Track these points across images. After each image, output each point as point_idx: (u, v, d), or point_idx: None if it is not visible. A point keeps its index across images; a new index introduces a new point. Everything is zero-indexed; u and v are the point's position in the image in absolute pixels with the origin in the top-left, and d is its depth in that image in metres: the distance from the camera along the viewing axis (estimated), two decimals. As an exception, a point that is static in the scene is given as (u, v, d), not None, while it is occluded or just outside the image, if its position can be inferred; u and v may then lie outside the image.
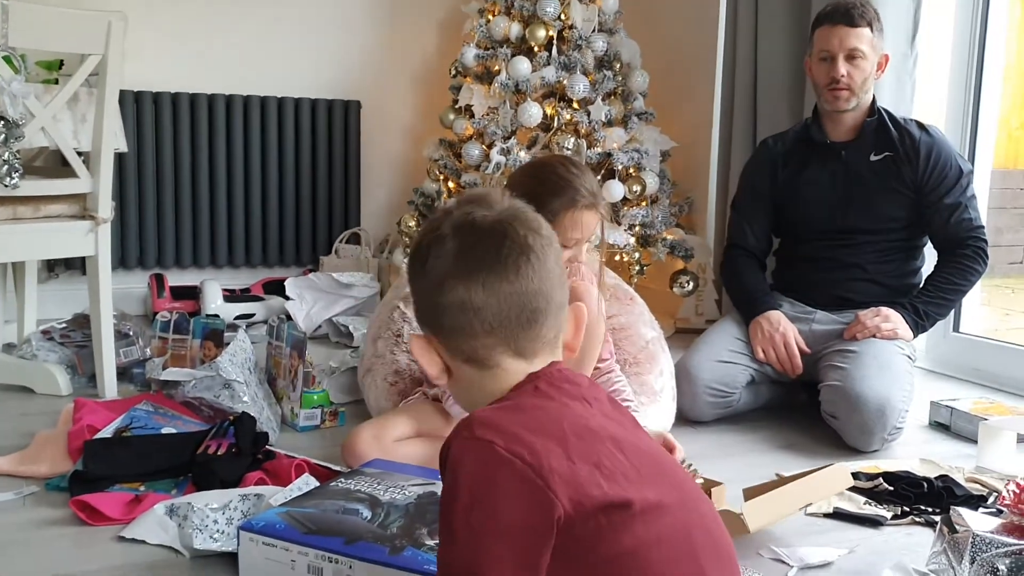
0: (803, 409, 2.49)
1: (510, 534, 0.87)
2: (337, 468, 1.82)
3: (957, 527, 1.43)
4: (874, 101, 2.49)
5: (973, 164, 2.81)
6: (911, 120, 2.52)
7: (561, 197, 1.83)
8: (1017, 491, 1.44)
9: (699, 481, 1.66)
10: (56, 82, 2.64)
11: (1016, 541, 1.39)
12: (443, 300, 1.00)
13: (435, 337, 1.04)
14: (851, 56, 2.41)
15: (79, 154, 2.33)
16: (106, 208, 2.36)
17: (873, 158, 2.47)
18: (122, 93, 3.30)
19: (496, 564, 0.87)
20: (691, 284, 3.48)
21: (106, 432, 1.91)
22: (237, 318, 3.32)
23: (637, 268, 3.37)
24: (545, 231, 1.04)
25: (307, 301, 3.34)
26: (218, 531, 1.51)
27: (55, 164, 2.72)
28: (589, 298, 1.86)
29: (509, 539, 0.87)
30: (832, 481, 1.70)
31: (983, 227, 2.47)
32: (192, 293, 3.43)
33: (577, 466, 0.89)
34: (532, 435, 0.90)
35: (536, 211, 1.07)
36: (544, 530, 0.87)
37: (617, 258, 3.33)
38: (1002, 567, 1.37)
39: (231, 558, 1.45)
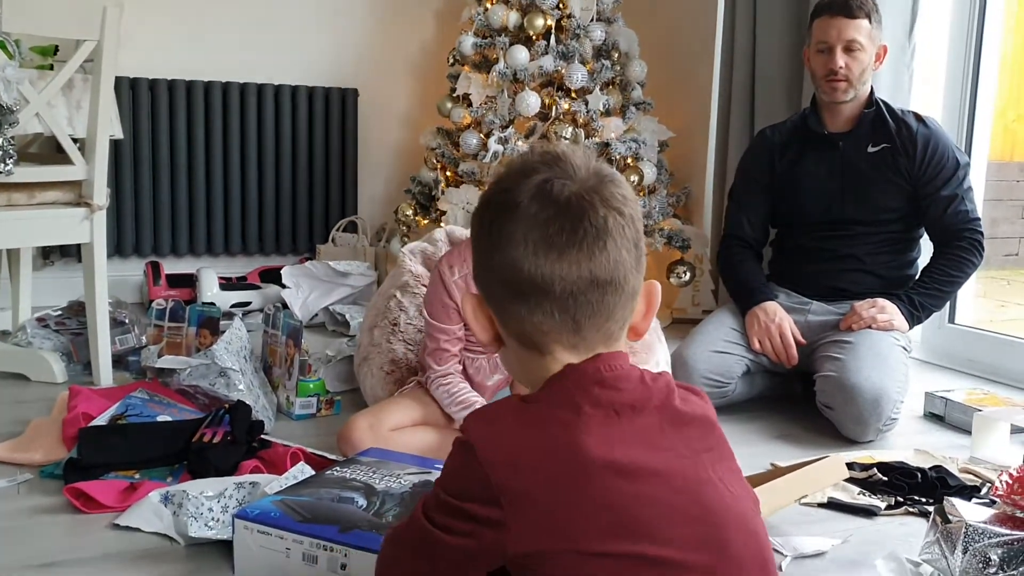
0: (798, 399, 2.50)
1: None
2: (333, 457, 1.82)
3: (950, 517, 1.43)
4: (872, 92, 2.49)
5: (970, 156, 2.81)
6: (908, 111, 2.52)
7: None
8: (1010, 481, 1.45)
9: None
10: (51, 68, 2.62)
11: (1008, 531, 1.39)
12: (506, 272, 0.92)
13: (489, 304, 0.98)
14: (849, 47, 2.41)
15: (74, 141, 2.32)
16: (101, 195, 2.36)
17: (870, 149, 2.47)
18: (118, 80, 3.31)
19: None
20: (688, 274, 3.48)
21: (101, 420, 1.91)
22: (233, 306, 3.31)
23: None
24: (628, 208, 0.94)
25: (303, 289, 3.33)
26: (213, 519, 1.51)
27: (51, 151, 2.71)
28: None
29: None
30: (828, 473, 1.71)
31: (979, 219, 2.47)
32: (188, 281, 3.43)
33: (546, 510, 0.86)
34: (521, 471, 0.87)
35: None
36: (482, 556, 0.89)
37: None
38: (994, 557, 1.38)
39: (226, 546, 1.45)
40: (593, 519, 0.85)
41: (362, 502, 1.45)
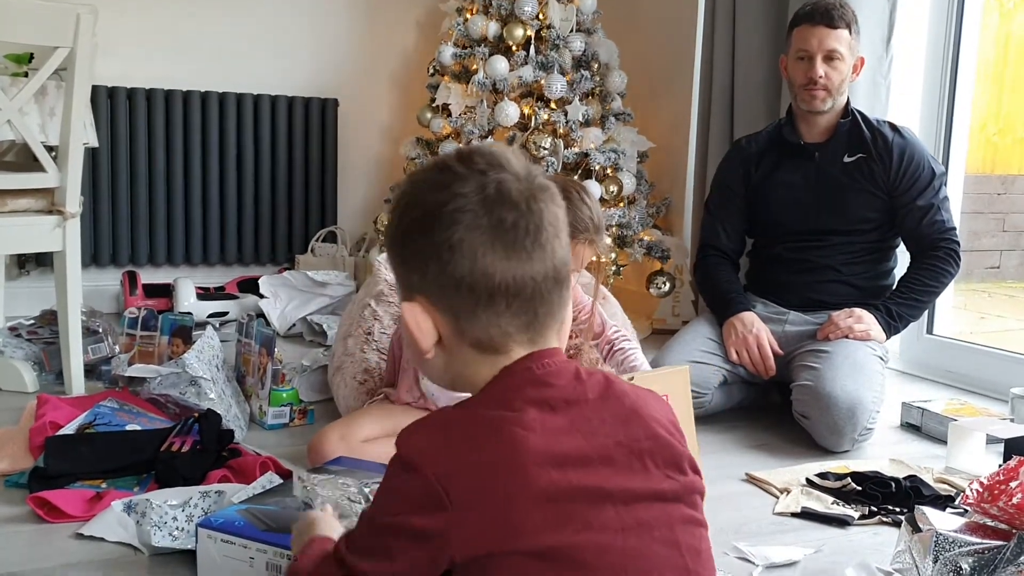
0: (775, 409, 2.49)
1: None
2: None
3: (921, 526, 1.43)
4: (848, 103, 2.50)
5: (947, 167, 2.82)
6: (884, 122, 2.52)
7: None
8: (980, 490, 1.44)
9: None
10: (26, 75, 2.60)
11: (979, 540, 1.39)
12: (475, 280, 0.89)
13: (444, 314, 0.93)
14: (829, 57, 2.41)
15: (48, 149, 2.30)
16: (74, 203, 2.33)
17: (846, 159, 2.47)
18: (96, 88, 3.30)
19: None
20: (667, 285, 3.47)
21: (69, 429, 1.89)
22: (211, 316, 3.29)
23: (614, 269, 3.36)
24: (560, 200, 0.95)
25: (281, 299, 3.32)
26: (177, 528, 1.49)
27: (27, 159, 2.68)
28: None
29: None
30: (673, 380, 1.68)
31: (955, 229, 2.47)
32: (165, 291, 3.40)
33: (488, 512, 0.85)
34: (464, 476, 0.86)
35: None
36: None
37: (594, 259, 3.32)
38: (965, 566, 1.37)
39: (190, 556, 1.43)
40: (537, 512, 0.84)
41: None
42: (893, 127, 2.49)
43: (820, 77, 2.41)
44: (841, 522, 1.75)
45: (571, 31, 3.36)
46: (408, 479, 0.87)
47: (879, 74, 2.87)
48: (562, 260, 0.94)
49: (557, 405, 0.90)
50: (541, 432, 0.87)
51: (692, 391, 2.34)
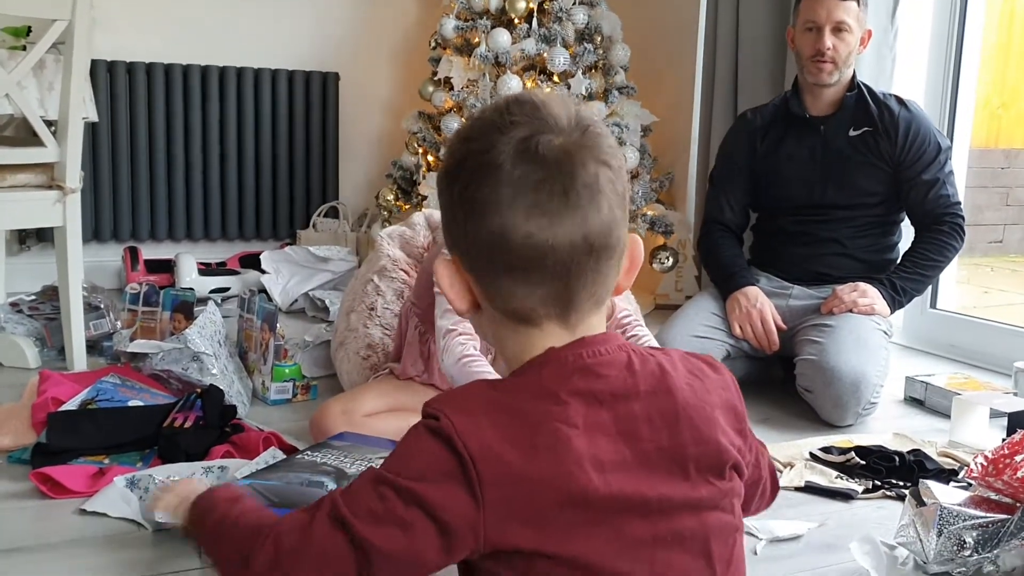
0: (779, 384, 2.49)
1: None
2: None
3: (925, 500, 1.42)
4: (854, 76, 2.47)
5: (952, 141, 2.80)
6: (890, 95, 2.50)
7: None
8: (985, 463, 1.44)
9: None
10: (24, 49, 2.58)
11: (983, 514, 1.38)
12: (492, 242, 0.83)
13: (470, 273, 0.88)
14: (838, 28, 2.39)
15: (47, 123, 2.29)
16: (74, 178, 2.32)
17: (852, 133, 2.45)
18: (96, 63, 3.27)
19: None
20: (671, 260, 3.46)
21: (71, 405, 1.88)
22: (212, 292, 3.29)
23: (616, 243, 3.34)
24: (616, 159, 0.86)
25: (283, 275, 3.31)
26: (181, 503, 1.49)
27: (27, 134, 2.67)
28: None
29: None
30: None
31: (960, 203, 2.46)
32: (167, 266, 3.40)
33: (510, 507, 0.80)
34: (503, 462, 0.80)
35: None
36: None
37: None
38: (969, 539, 1.37)
39: (194, 531, 1.43)
40: (571, 514, 0.80)
41: (332, 486, 1.43)
42: (899, 100, 2.47)
43: (828, 49, 2.38)
44: (845, 496, 1.75)
45: (574, 3, 3.32)
46: (438, 447, 0.81)
47: (884, 47, 2.85)
48: (601, 227, 0.84)
49: (604, 399, 0.84)
50: (584, 430, 0.82)
51: (695, 366, 2.35)
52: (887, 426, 2.19)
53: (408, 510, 0.81)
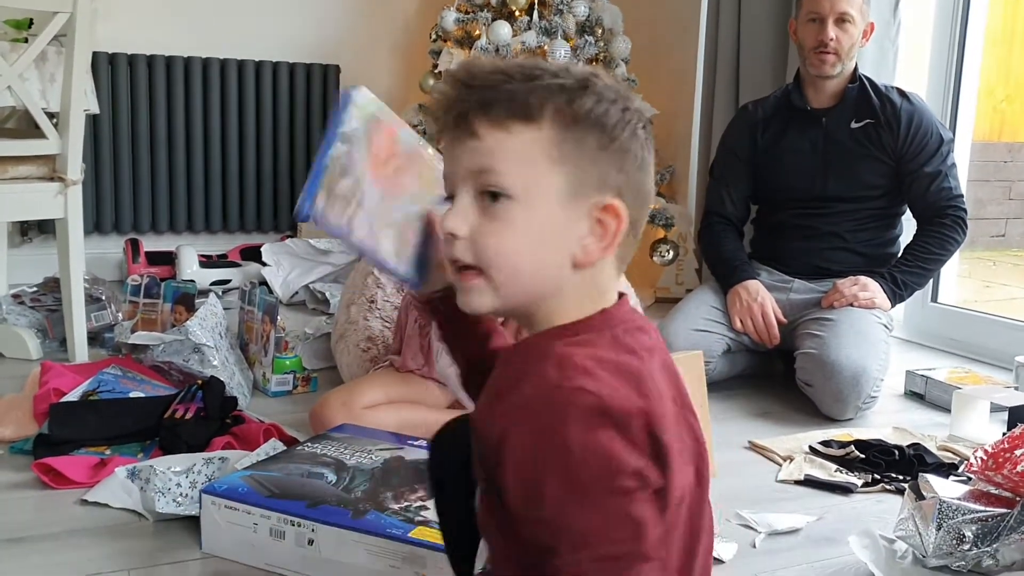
0: (779, 378, 2.49)
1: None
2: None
3: (924, 494, 1.43)
4: (856, 68, 2.47)
5: (954, 134, 2.79)
6: (892, 87, 2.50)
7: None
8: (984, 457, 1.44)
9: None
10: (26, 41, 2.58)
11: (983, 508, 1.39)
12: (643, 190, 0.91)
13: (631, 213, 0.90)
14: (841, 20, 2.38)
15: (49, 115, 2.29)
16: (75, 170, 2.32)
17: (854, 125, 2.45)
18: (97, 55, 3.27)
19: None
20: (671, 253, 3.46)
21: (73, 396, 1.89)
22: (213, 284, 3.29)
23: (617, 237, 3.34)
24: None
25: (284, 267, 3.31)
26: (181, 494, 1.49)
27: (28, 126, 2.67)
28: None
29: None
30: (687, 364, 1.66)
31: (962, 196, 2.46)
32: (168, 258, 3.39)
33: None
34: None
35: None
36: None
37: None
38: (968, 533, 1.37)
39: (194, 522, 1.43)
40: (680, 460, 0.82)
41: (332, 477, 1.44)
42: (901, 93, 2.46)
43: (831, 40, 2.38)
44: (844, 490, 1.75)
45: (575, -4, 3.32)
46: (613, 433, 0.77)
47: (887, 40, 2.84)
48: None
49: (644, 354, 0.86)
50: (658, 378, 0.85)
51: (696, 359, 2.35)
52: (887, 420, 2.20)
53: (633, 504, 0.79)
